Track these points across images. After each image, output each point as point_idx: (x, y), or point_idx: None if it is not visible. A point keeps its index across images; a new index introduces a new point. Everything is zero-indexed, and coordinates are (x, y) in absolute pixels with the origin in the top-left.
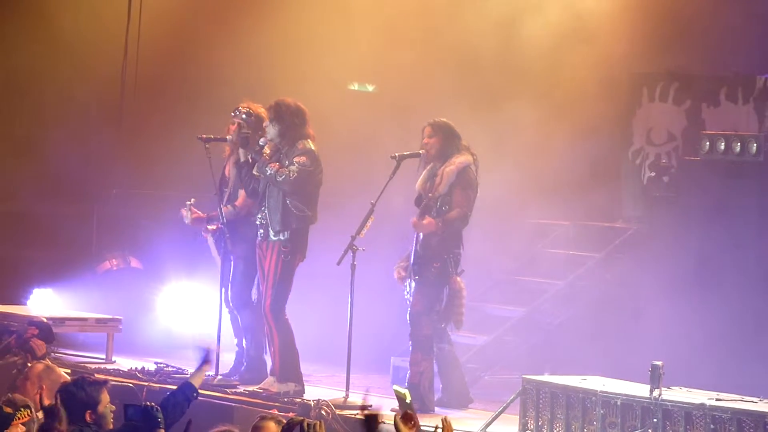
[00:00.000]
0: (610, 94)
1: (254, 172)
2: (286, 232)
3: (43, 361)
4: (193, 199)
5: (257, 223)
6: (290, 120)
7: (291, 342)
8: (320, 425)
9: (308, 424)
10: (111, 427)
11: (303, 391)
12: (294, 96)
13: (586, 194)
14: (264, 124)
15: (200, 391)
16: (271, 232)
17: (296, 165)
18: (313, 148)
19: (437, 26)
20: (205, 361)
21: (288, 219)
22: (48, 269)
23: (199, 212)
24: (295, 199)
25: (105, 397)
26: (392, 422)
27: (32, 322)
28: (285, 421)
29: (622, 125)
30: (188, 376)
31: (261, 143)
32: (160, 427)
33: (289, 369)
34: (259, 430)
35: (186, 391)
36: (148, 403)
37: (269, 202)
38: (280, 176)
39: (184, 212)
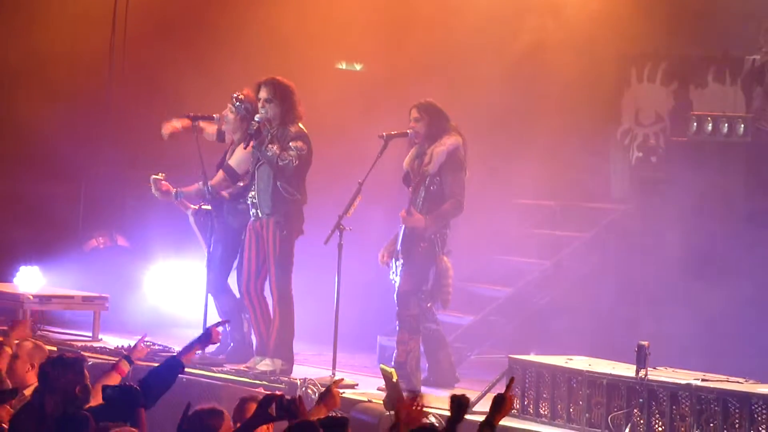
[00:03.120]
0: (599, 75)
1: (253, 150)
2: (278, 215)
3: (31, 339)
4: (161, 174)
5: (248, 203)
6: (290, 100)
7: (291, 320)
8: (300, 401)
9: (288, 400)
10: (93, 401)
11: (290, 370)
12: (283, 75)
13: (573, 174)
14: (261, 103)
15: (186, 369)
16: (260, 213)
17: (295, 150)
18: (305, 130)
19: (426, 5)
20: (203, 341)
21: (278, 202)
22: (35, 247)
23: (168, 185)
24: (284, 182)
25: (86, 374)
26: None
27: None
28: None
29: (610, 105)
30: (177, 351)
31: (257, 120)
32: (140, 405)
33: (283, 347)
34: (243, 413)
35: (171, 365)
36: (126, 383)
37: (259, 184)
38: (282, 161)
39: (152, 186)
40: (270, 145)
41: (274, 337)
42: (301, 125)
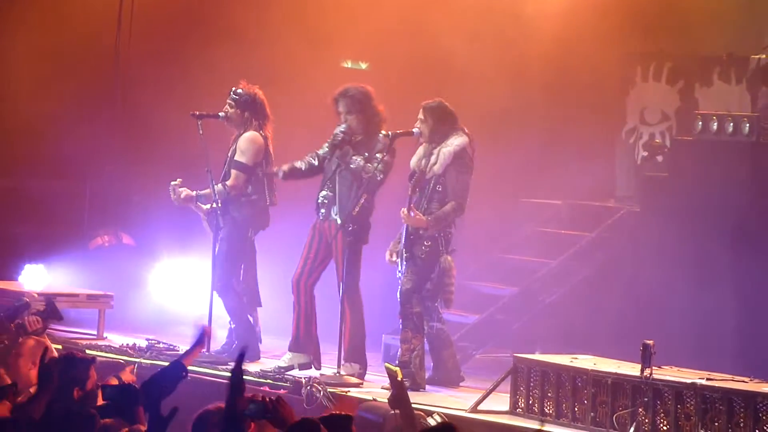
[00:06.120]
0: (604, 73)
1: (336, 159)
2: (353, 224)
3: (34, 336)
4: (179, 179)
5: (319, 201)
6: (369, 109)
7: (362, 326)
8: (281, 401)
9: (271, 401)
10: (98, 404)
11: (365, 373)
12: (289, 73)
13: (579, 173)
14: (342, 117)
15: (191, 368)
16: (338, 217)
17: (381, 165)
18: (389, 136)
19: (431, 3)
20: (200, 341)
21: (362, 213)
22: (40, 245)
23: (188, 190)
24: (369, 195)
25: (93, 374)
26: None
27: (45, 297)
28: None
29: (616, 104)
30: (180, 354)
31: (341, 130)
32: (139, 405)
33: (356, 351)
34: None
35: (175, 369)
36: (125, 381)
37: (340, 189)
38: (367, 173)
39: (171, 193)
40: (354, 156)
41: (347, 344)
42: (386, 132)
